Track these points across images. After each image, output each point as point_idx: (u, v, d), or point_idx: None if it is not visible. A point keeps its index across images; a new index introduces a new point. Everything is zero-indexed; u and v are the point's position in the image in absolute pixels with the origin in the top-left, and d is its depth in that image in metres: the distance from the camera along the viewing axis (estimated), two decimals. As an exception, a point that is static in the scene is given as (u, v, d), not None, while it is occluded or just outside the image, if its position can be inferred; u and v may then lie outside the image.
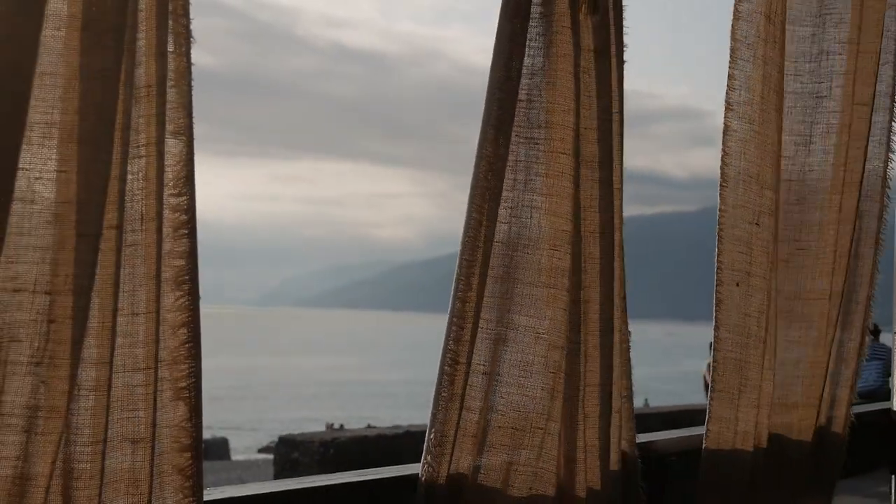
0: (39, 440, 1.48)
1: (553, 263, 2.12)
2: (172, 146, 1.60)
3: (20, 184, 1.46)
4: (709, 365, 5.98)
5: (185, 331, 1.62)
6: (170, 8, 1.58)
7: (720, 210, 2.53)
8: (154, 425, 1.61)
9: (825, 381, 2.75)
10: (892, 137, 2.84)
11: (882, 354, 12.04)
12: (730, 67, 2.52)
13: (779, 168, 2.60)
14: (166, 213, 1.60)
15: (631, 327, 2.32)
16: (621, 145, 2.25)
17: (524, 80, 2.10)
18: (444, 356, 2.04)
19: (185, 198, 1.61)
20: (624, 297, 2.28)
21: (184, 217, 1.61)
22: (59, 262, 1.49)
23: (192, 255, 1.62)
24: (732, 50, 2.51)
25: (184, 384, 1.63)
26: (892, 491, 3.44)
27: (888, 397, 3.80)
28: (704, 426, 2.55)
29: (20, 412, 1.47)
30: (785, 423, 2.70)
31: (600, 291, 2.19)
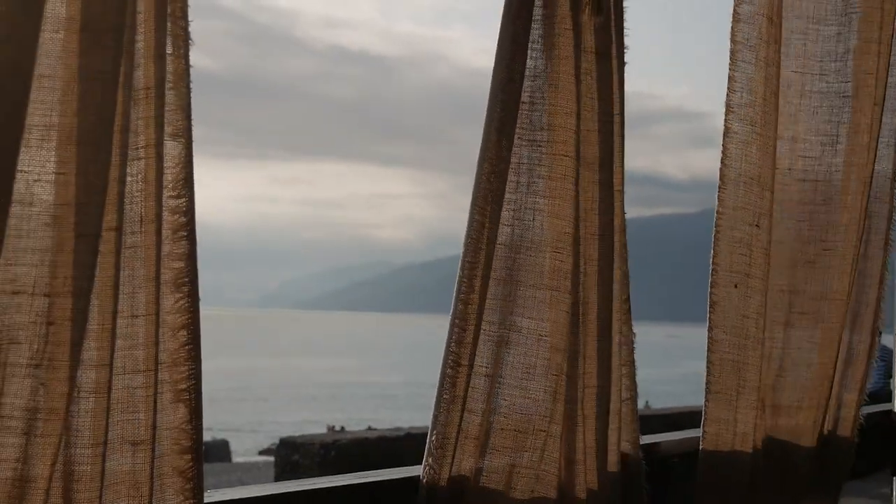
0: (39, 442, 1.48)
1: (555, 266, 2.12)
2: (171, 148, 1.60)
3: (19, 186, 1.46)
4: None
5: (185, 333, 1.62)
6: (168, 10, 1.58)
7: (718, 212, 2.53)
8: (154, 427, 1.60)
9: (833, 383, 2.74)
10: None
11: (883, 356, 12.03)
12: (730, 69, 2.51)
13: (774, 169, 2.59)
14: (165, 215, 1.60)
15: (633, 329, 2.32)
16: (622, 147, 2.25)
17: (527, 83, 2.10)
18: (445, 358, 2.04)
19: (184, 200, 1.61)
20: (627, 300, 2.28)
21: (183, 219, 1.61)
22: (58, 264, 1.48)
23: (191, 257, 1.62)
24: (732, 52, 2.51)
25: (184, 386, 1.63)
26: (895, 493, 3.44)
27: (890, 399, 3.79)
28: (701, 428, 2.55)
29: (20, 414, 1.47)
30: (790, 426, 2.69)
31: (599, 294, 2.19)
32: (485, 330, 2.08)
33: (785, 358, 2.69)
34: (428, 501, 2.03)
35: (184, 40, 1.59)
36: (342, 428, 21.89)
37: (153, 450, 1.60)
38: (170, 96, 1.59)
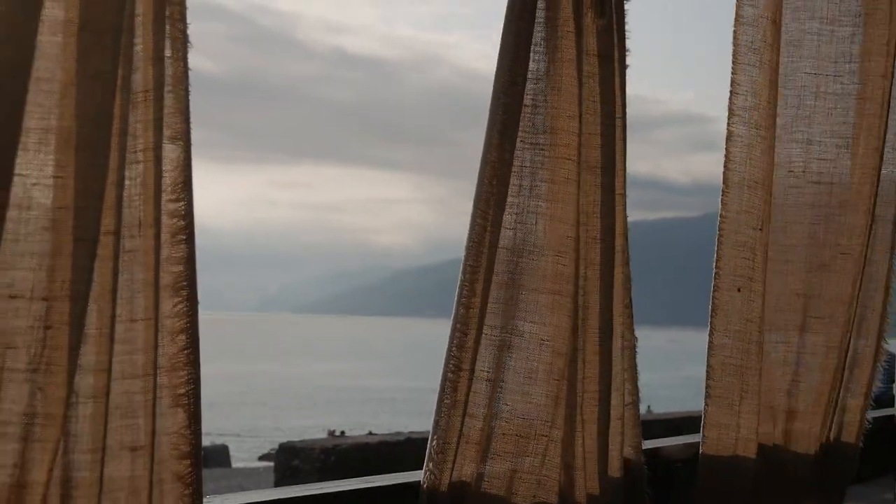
0: (36, 448, 1.47)
1: (558, 270, 2.11)
2: (170, 151, 1.59)
3: (16, 190, 1.45)
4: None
5: (184, 337, 1.62)
6: (167, 13, 1.57)
7: (721, 216, 2.51)
8: (153, 433, 1.60)
9: (839, 389, 2.73)
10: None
11: (886, 360, 12.01)
12: (733, 73, 2.50)
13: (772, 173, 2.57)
14: (164, 218, 1.60)
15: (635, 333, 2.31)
16: (624, 151, 2.24)
17: (529, 85, 2.09)
18: (447, 363, 2.03)
19: (182, 203, 1.60)
20: (629, 304, 2.27)
21: (182, 223, 1.60)
22: (56, 268, 1.48)
23: (190, 260, 1.61)
24: (735, 55, 2.49)
25: (183, 391, 1.62)
26: (898, 497, 3.42)
27: (892, 403, 3.78)
28: (700, 432, 2.53)
29: (17, 419, 1.46)
30: (800, 430, 2.68)
31: (601, 298, 2.18)
32: (486, 334, 2.07)
33: (800, 363, 2.67)
34: (428, 507, 2.03)
35: (182, 43, 1.58)
36: (342, 433, 21.88)
37: (152, 455, 1.59)
38: (168, 99, 1.58)
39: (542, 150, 2.11)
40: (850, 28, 2.65)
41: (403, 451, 14.29)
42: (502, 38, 2.07)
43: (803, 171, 2.66)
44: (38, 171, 1.47)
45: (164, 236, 1.60)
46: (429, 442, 2.04)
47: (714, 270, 2.51)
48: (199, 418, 1.64)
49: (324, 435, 22.07)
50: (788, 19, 2.59)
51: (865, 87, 2.65)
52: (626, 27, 2.23)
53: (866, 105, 2.65)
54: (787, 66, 2.61)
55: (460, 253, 2.06)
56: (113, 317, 1.54)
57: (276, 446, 17.53)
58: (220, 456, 24.83)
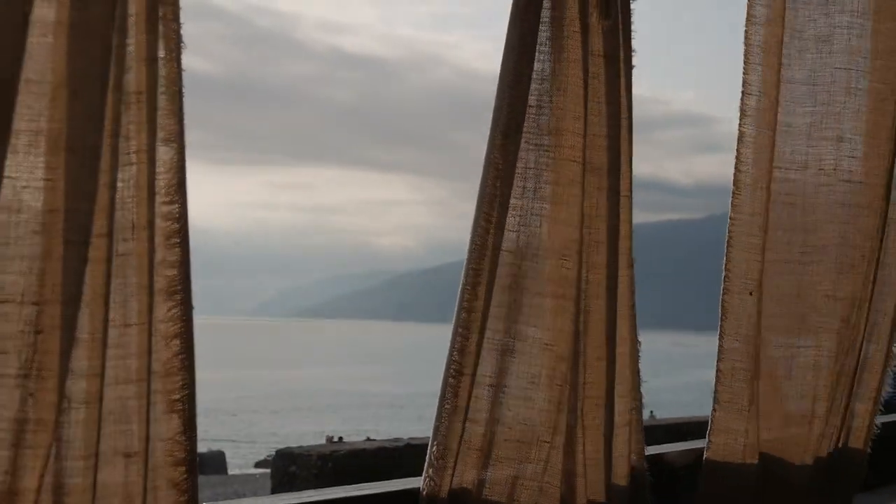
0: (28, 454, 1.46)
1: (562, 273, 2.09)
2: (164, 153, 1.58)
3: (6, 192, 1.44)
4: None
5: (178, 342, 1.61)
6: (160, 13, 1.56)
7: (731, 217, 2.47)
8: (147, 439, 1.59)
9: (849, 393, 2.69)
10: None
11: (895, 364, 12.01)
12: (744, 73, 2.46)
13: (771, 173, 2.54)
14: (158, 221, 1.59)
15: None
16: (630, 152, 2.22)
17: (534, 85, 2.07)
18: (448, 367, 2.02)
19: (176, 205, 1.59)
20: (633, 307, 2.24)
21: (175, 225, 1.59)
22: (47, 271, 1.47)
23: (184, 264, 1.60)
24: (746, 55, 2.46)
25: (177, 396, 1.61)
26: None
27: (897, 409, 3.75)
28: (706, 437, 2.50)
29: (7, 426, 1.45)
30: (800, 436, 2.64)
31: (605, 301, 2.16)
32: (488, 338, 2.05)
33: (822, 366, 2.62)
34: (428, 514, 2.01)
35: (176, 43, 1.57)
36: (340, 438, 21.89)
37: (146, 462, 1.58)
38: (162, 100, 1.57)
39: (547, 151, 2.09)
40: (889, 23, 2.58)
41: (403, 457, 14.26)
42: (507, 37, 2.05)
43: (834, 169, 2.59)
44: (28, 174, 1.46)
45: (158, 239, 1.59)
46: (429, 448, 2.03)
47: (724, 273, 2.47)
48: (194, 424, 1.63)
49: (322, 441, 22.06)
50: (817, 13, 2.54)
51: (888, 87, 2.59)
52: (633, 28, 2.20)
53: (887, 106, 2.59)
54: (815, 61, 2.55)
55: (462, 255, 2.04)
56: (106, 321, 1.53)
57: (273, 452, 17.52)
58: (216, 462, 24.84)
